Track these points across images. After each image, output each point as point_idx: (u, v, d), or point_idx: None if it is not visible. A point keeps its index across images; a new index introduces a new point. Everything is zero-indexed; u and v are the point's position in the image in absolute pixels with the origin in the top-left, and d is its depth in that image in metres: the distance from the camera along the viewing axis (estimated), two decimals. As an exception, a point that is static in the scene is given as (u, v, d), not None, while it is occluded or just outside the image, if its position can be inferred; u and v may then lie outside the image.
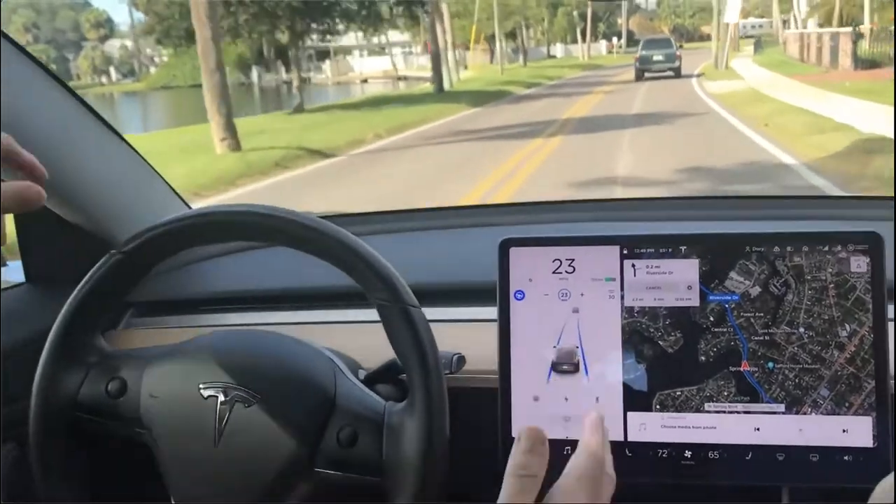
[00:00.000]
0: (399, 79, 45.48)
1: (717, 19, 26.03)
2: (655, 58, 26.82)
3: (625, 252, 0.90)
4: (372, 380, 0.97)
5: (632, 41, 65.21)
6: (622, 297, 0.90)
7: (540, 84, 28.15)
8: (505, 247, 0.93)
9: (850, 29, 23.79)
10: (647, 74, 26.47)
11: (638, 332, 0.89)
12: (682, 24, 79.12)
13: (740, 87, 19.58)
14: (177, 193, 1.40)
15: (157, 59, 57.90)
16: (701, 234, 0.89)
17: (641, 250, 0.90)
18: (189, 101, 27.39)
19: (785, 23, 63.74)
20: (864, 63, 20.82)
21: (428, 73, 27.71)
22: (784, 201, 1.58)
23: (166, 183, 1.37)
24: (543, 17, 52.81)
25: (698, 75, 25.87)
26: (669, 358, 0.88)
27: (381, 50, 54.80)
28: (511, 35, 50.30)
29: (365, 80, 47.88)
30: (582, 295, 0.91)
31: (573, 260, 0.91)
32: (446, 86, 25.17)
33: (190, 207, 1.39)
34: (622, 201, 1.74)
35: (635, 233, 0.91)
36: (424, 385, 0.85)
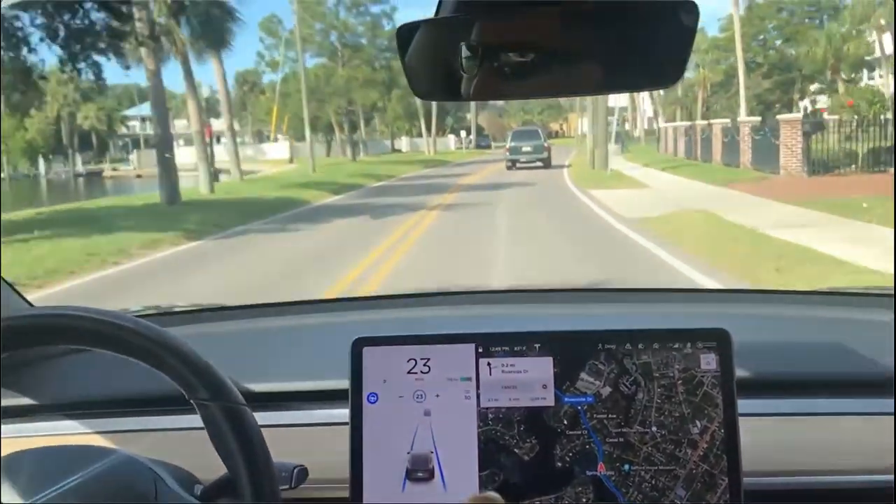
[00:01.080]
0: (137, 176, 38.33)
1: (593, 113, 24.83)
2: (525, 148, 27.39)
3: (480, 350, 0.88)
4: (210, 494, 0.89)
5: (481, 136, 65.49)
6: (478, 397, 0.87)
7: (356, 187, 21.34)
8: (358, 346, 0.89)
9: (726, 121, 22.78)
10: (518, 165, 26.88)
11: (493, 441, 0.86)
12: (530, 121, 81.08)
13: (660, 200, 13.57)
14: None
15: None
16: (554, 332, 0.89)
17: (496, 348, 0.88)
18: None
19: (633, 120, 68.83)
20: (819, 165, 16.27)
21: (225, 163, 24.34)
22: (640, 294, 1.62)
23: None
24: (376, 102, 46.00)
25: (568, 166, 26.31)
26: (526, 466, 0.86)
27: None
28: (348, 124, 46.16)
29: (139, 176, 38.64)
30: (437, 396, 0.88)
31: (428, 359, 0.88)
32: (206, 190, 19.46)
33: None
34: (478, 294, 1.73)
35: (490, 330, 0.89)
36: (254, 490, 0.77)
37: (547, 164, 26.76)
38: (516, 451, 0.86)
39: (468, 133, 60.84)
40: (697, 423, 0.85)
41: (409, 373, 0.88)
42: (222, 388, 0.79)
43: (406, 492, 0.86)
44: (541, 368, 0.88)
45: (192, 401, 0.79)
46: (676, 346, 0.87)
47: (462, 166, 31.46)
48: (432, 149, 45.12)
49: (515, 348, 0.88)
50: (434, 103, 45.04)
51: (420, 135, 48.02)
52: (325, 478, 0.97)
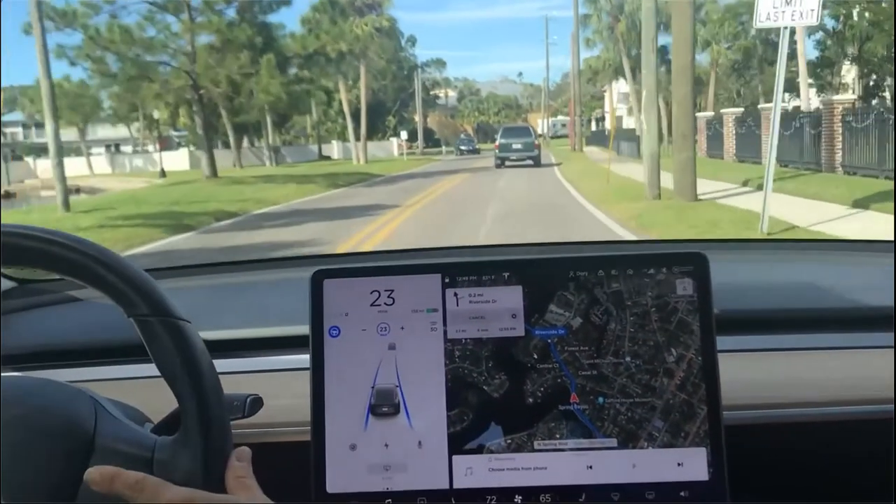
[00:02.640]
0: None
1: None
2: (515, 146, 27.15)
3: (446, 280, 0.84)
4: (160, 430, 0.83)
5: (431, 140, 57.96)
6: (445, 329, 0.83)
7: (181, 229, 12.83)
8: (318, 279, 0.85)
9: (710, 113, 20.70)
10: (507, 163, 26.61)
11: (461, 379, 0.83)
12: (486, 122, 72.11)
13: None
14: None
15: None
16: (524, 260, 0.85)
17: (463, 278, 0.84)
18: None
19: (598, 121, 62.51)
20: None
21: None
22: (609, 246, 1.61)
23: None
24: (240, 80, 25.46)
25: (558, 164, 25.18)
26: (496, 403, 0.82)
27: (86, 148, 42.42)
28: (254, 126, 36.98)
29: (9, 195, 29.51)
30: (402, 328, 0.84)
31: (392, 290, 0.84)
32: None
33: None
34: (446, 249, 1.72)
35: (458, 260, 0.86)
36: (198, 408, 0.73)
37: (537, 161, 26.56)
38: (485, 388, 0.82)
39: (414, 136, 50.20)
40: (673, 351, 0.82)
41: (372, 305, 0.84)
42: (164, 303, 0.74)
43: (369, 427, 0.82)
44: (510, 298, 0.84)
45: (131, 318, 0.74)
46: (651, 271, 0.84)
47: (392, 185, 21.18)
48: (362, 156, 36.90)
49: (483, 278, 0.85)
50: (363, 97, 38.65)
51: (359, 137, 37.68)
52: (288, 421, 0.94)
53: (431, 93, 66.90)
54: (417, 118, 55.81)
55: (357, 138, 38.37)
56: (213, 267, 1.57)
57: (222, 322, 1.18)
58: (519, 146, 27.14)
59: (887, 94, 23.92)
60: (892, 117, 12.44)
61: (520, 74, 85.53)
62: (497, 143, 28.29)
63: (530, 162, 26.63)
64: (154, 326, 0.73)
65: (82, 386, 0.83)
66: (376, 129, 48.52)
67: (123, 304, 0.74)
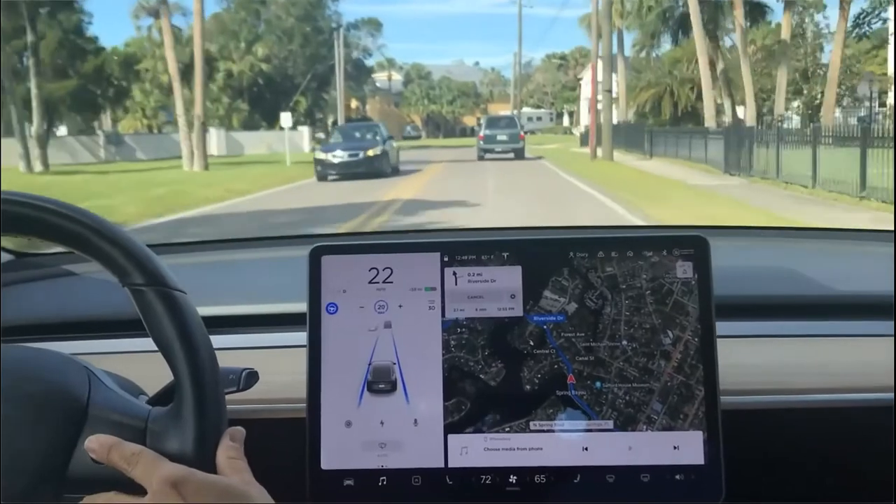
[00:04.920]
0: None
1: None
2: (500, 137, 26.09)
3: (445, 259, 0.84)
4: (155, 403, 0.83)
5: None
6: (443, 308, 0.83)
7: None
8: (316, 255, 0.84)
9: None
10: (487, 155, 25.51)
11: (457, 368, 0.82)
12: (437, 113, 60.12)
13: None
14: None
15: None
16: (523, 240, 0.85)
17: (462, 257, 0.84)
18: None
19: (572, 115, 54.16)
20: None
21: None
22: (608, 230, 1.61)
23: None
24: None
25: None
26: (493, 391, 0.82)
27: None
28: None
29: None
30: (400, 306, 0.84)
31: (391, 268, 0.84)
32: None
33: None
34: (446, 231, 1.73)
35: (457, 239, 0.86)
36: (192, 377, 0.72)
37: (520, 154, 25.71)
38: (482, 376, 0.82)
39: (334, 125, 32.71)
40: (669, 333, 0.82)
41: (370, 282, 0.84)
42: (158, 273, 0.73)
43: (365, 404, 0.82)
44: (509, 277, 0.84)
45: (125, 287, 0.73)
46: (646, 254, 0.83)
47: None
48: (199, 158, 22.25)
49: (482, 257, 0.84)
50: (196, 51, 23.00)
51: (271, 122, 26.66)
52: (285, 397, 0.94)
53: (373, 76, 54.77)
54: (339, 100, 37.42)
55: (229, 124, 25.84)
56: (211, 244, 1.57)
57: (220, 298, 1.17)
58: (504, 137, 26.15)
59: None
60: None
61: (476, 63, 72.80)
62: (481, 134, 26.88)
63: (512, 155, 25.75)
64: (148, 296, 0.72)
65: (78, 358, 0.83)
66: (275, 113, 32.04)
67: (118, 274, 0.73)
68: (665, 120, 29.90)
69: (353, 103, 47.65)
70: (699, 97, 25.29)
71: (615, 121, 26.85)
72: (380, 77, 58.37)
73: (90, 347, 1.11)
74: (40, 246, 0.99)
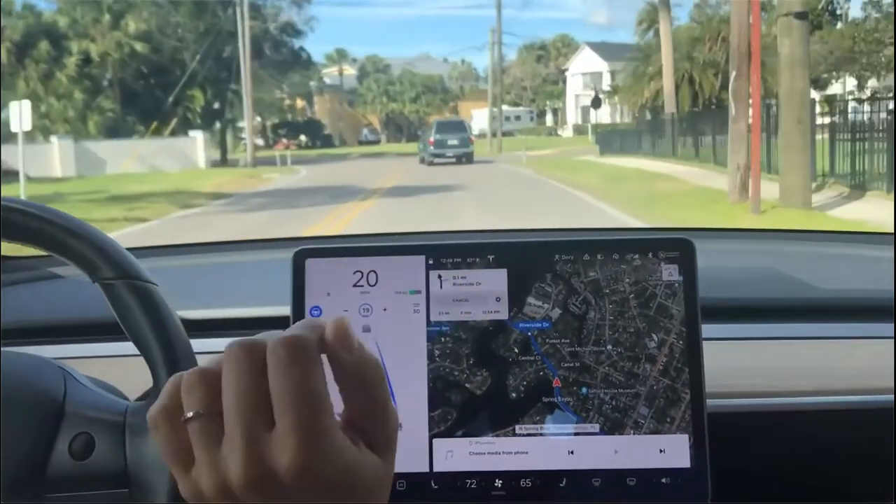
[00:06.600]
0: None
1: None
2: (451, 142, 25.95)
3: (430, 262, 0.84)
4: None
5: (319, 137, 40.00)
6: (428, 311, 0.83)
7: None
8: (300, 258, 0.83)
9: None
10: (437, 160, 24.94)
11: (442, 378, 0.82)
12: (398, 112, 50.19)
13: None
14: None
15: None
16: (509, 243, 0.85)
17: (448, 260, 0.84)
18: None
19: (556, 112, 48.16)
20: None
21: None
22: (593, 233, 1.62)
23: None
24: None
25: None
26: (479, 400, 0.82)
27: None
28: None
29: None
30: (385, 310, 0.83)
31: (375, 272, 0.84)
32: None
33: None
34: (431, 234, 1.71)
35: (442, 242, 0.85)
36: (168, 368, 0.72)
37: (469, 159, 25.58)
38: (467, 385, 0.82)
39: (282, 131, 26.39)
40: (654, 336, 0.82)
41: (354, 286, 0.83)
42: (128, 265, 0.72)
43: None
44: (495, 280, 0.84)
45: (96, 283, 0.72)
46: (628, 257, 0.83)
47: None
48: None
49: (468, 260, 0.84)
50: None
51: (128, 130, 19.89)
52: None
53: (324, 72, 45.84)
54: (244, 91, 26.43)
55: (84, 130, 17.53)
56: (192, 247, 1.55)
57: (203, 301, 1.16)
58: (455, 142, 26.08)
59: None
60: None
61: (445, 60, 60.18)
62: (432, 139, 26.31)
63: (463, 159, 25.40)
64: (119, 289, 0.72)
65: (53, 360, 0.82)
66: (156, 113, 24.05)
67: (87, 270, 0.72)
68: (683, 114, 22.77)
69: (299, 103, 41.65)
70: (724, 86, 16.68)
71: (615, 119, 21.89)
72: (330, 72, 50.91)
73: (74, 352, 1.11)
74: (24, 248, 0.98)
